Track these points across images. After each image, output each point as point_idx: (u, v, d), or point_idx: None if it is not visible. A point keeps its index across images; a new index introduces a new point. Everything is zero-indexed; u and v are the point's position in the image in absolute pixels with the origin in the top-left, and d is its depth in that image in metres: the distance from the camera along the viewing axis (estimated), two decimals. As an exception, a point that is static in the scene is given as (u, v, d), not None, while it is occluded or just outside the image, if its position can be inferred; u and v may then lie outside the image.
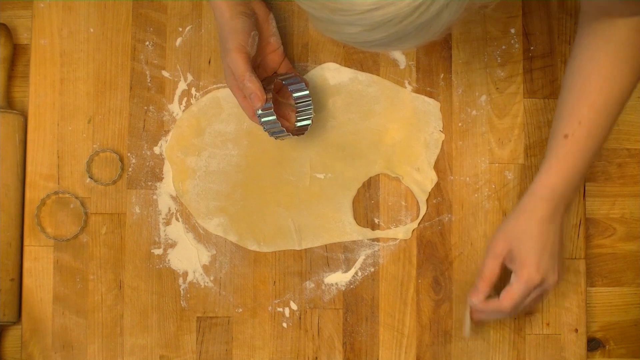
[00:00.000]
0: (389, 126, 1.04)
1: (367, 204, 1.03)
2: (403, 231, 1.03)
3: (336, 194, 1.03)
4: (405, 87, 1.04)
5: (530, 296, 0.92)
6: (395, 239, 1.03)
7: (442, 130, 1.04)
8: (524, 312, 0.99)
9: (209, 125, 1.04)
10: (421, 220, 1.03)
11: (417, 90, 1.04)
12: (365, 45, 0.69)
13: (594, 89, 0.88)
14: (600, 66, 0.87)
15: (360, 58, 1.05)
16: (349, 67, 1.05)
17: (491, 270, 0.92)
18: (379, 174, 1.03)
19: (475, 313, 0.95)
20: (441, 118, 1.03)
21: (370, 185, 1.04)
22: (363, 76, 1.04)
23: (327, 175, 1.03)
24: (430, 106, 1.03)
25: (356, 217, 1.03)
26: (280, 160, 1.04)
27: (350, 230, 1.03)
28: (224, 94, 1.04)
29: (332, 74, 1.05)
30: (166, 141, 1.05)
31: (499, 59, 1.04)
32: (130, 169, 1.04)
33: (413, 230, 1.03)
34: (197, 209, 1.03)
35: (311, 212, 1.03)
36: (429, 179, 1.03)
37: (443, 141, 1.04)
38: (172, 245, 1.04)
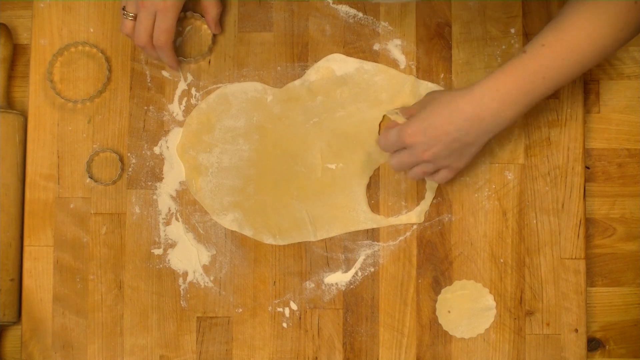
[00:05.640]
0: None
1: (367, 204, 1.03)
2: (416, 214, 1.03)
3: (349, 183, 1.03)
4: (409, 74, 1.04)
5: (402, 159, 0.95)
6: (396, 239, 1.03)
7: None
8: (410, 176, 0.98)
9: (218, 121, 1.04)
10: (425, 219, 1.03)
11: (417, 90, 1.05)
12: None
13: (576, 28, 0.87)
14: (588, 12, 0.87)
15: (361, 58, 1.05)
16: (350, 63, 1.05)
17: (413, 109, 0.96)
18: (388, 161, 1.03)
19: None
20: None
21: (370, 186, 1.04)
22: (369, 65, 1.04)
23: (339, 165, 1.04)
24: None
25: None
26: (291, 153, 1.04)
27: (364, 219, 1.03)
28: (231, 90, 1.05)
29: (338, 65, 1.05)
30: (166, 141, 1.05)
31: (499, 59, 1.04)
32: (130, 169, 1.04)
33: (425, 213, 1.02)
34: (212, 206, 1.04)
35: (325, 202, 1.03)
36: None
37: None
38: (172, 245, 1.04)
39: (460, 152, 0.94)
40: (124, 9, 0.99)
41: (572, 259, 1.03)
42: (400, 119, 0.97)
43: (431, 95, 0.97)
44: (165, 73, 1.05)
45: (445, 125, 0.91)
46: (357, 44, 1.05)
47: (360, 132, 1.04)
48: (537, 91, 0.90)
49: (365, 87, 1.04)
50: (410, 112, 0.97)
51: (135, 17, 0.98)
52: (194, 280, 1.03)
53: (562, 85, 0.90)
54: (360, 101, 1.04)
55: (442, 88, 1.04)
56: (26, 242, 1.04)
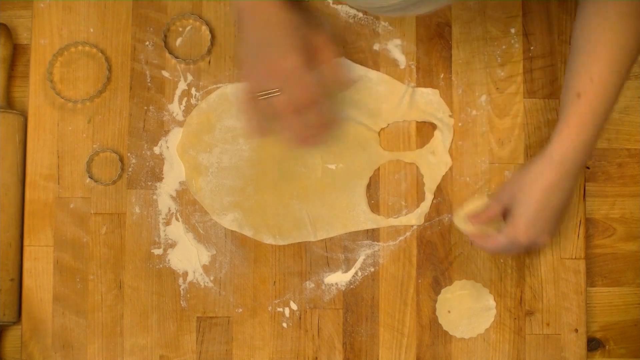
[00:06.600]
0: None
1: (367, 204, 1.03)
2: (415, 216, 1.03)
3: (348, 184, 1.03)
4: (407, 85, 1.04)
5: (518, 249, 0.94)
6: (396, 239, 1.03)
7: (451, 115, 1.03)
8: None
9: (219, 121, 1.04)
10: (425, 217, 1.03)
11: (417, 90, 1.05)
12: (381, 11, 0.67)
13: (603, 44, 0.87)
14: (607, 19, 0.86)
15: (361, 58, 1.05)
16: (352, 66, 1.05)
17: (492, 210, 0.95)
18: (388, 161, 1.03)
19: (470, 235, 0.97)
20: (444, 103, 1.03)
21: (370, 186, 1.04)
22: (373, 74, 1.04)
23: (339, 165, 1.04)
24: (431, 96, 1.04)
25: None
26: (291, 153, 1.04)
27: (364, 219, 1.03)
28: (232, 90, 1.05)
29: None
30: (166, 141, 1.05)
31: (499, 59, 1.04)
32: (130, 169, 1.04)
33: (425, 214, 1.02)
34: (212, 206, 1.04)
35: (324, 202, 1.03)
36: (444, 162, 1.03)
37: (443, 141, 1.04)
38: (172, 245, 1.04)
39: (564, 212, 0.95)
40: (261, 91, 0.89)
41: (572, 259, 1.03)
42: (469, 228, 0.96)
43: (510, 186, 0.94)
44: (165, 73, 1.05)
45: (551, 207, 0.91)
46: (357, 44, 1.05)
47: (360, 132, 1.04)
48: (605, 122, 0.90)
49: (366, 95, 1.04)
50: (489, 215, 0.95)
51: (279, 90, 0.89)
52: (194, 280, 1.03)
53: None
54: (361, 108, 1.04)
55: (435, 90, 1.03)
56: (26, 242, 1.04)
